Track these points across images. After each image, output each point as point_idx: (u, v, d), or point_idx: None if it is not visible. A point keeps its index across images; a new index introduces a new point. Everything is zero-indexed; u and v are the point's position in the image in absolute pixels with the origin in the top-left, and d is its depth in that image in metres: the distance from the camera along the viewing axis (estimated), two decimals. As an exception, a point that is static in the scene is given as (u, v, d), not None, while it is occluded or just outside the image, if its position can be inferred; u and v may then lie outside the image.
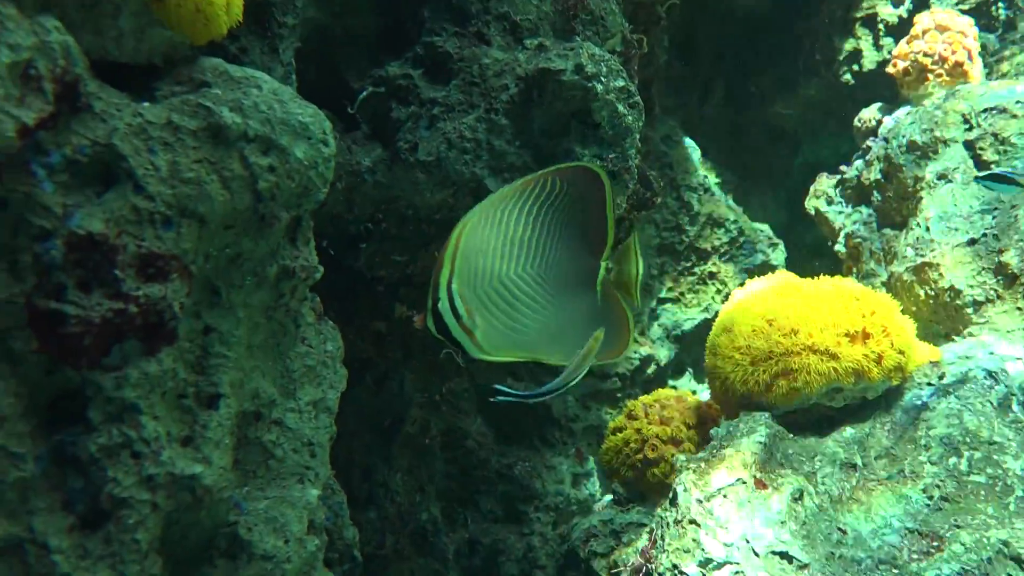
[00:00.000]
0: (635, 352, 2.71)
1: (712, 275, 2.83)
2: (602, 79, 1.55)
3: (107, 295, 1.09)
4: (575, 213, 1.14)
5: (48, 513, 1.08)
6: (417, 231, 1.75)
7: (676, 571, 1.57)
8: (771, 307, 1.79)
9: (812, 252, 3.01)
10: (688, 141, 2.84)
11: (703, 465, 1.66)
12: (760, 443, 1.66)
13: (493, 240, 1.09)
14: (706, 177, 2.84)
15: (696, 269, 2.82)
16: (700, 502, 1.60)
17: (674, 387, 2.81)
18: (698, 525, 1.58)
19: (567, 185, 1.13)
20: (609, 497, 2.14)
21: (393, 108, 1.62)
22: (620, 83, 1.57)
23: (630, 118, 1.60)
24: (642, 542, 1.72)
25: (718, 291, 2.83)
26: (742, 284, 2.70)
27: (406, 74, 1.62)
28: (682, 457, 1.69)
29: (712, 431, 1.78)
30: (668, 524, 1.62)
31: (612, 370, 2.64)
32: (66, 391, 1.11)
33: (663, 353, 2.77)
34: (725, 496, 1.59)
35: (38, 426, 1.09)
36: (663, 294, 2.79)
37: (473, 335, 1.08)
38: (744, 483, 1.61)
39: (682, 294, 2.82)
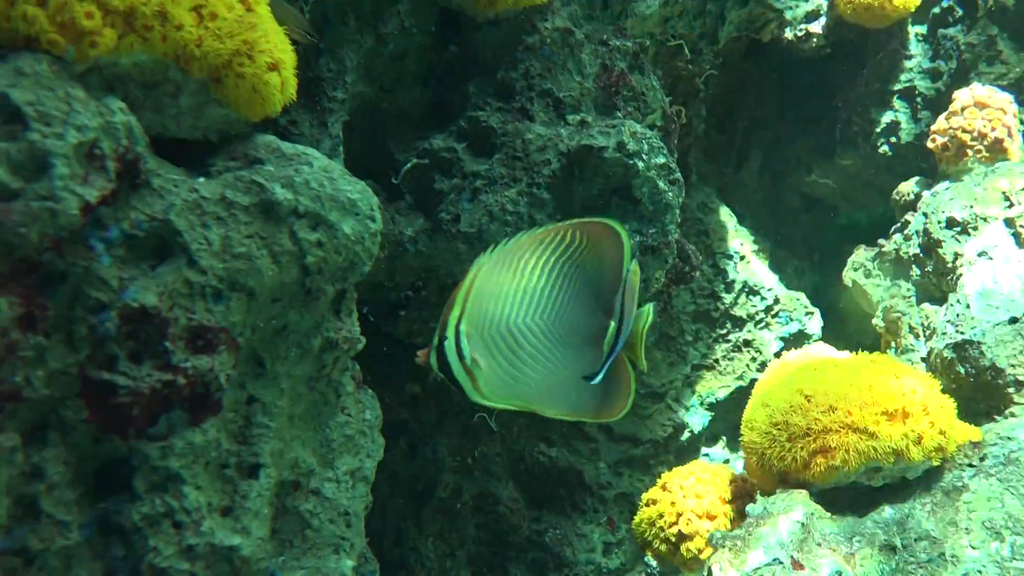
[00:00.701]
0: (668, 419, 2.69)
1: (747, 343, 2.81)
2: (643, 156, 1.57)
3: (157, 366, 1.12)
4: (591, 268, 1.14)
5: (90, 582, 1.09)
6: (456, 299, 1.77)
7: (710, 652, 1.55)
8: (809, 383, 1.78)
9: (846, 322, 2.99)
10: (724, 208, 2.85)
11: (739, 543, 1.64)
12: (797, 522, 1.64)
13: (507, 286, 1.10)
14: (742, 244, 2.84)
15: (731, 337, 2.81)
16: (736, 582, 1.58)
17: (707, 455, 2.78)
18: (733, 606, 1.56)
19: (587, 239, 1.13)
20: (640, 570, 2.12)
21: (436, 180, 1.66)
22: (661, 160, 1.60)
23: (670, 194, 1.62)
24: (676, 620, 1.70)
25: (753, 359, 2.81)
26: (778, 353, 2.69)
27: (450, 147, 1.65)
28: (718, 534, 1.67)
29: (748, 508, 1.76)
30: (703, 603, 1.60)
31: (644, 436, 2.62)
32: (113, 460, 1.13)
33: (696, 421, 2.74)
34: (761, 576, 1.57)
35: (84, 494, 1.11)
36: (697, 361, 2.77)
37: (475, 377, 1.09)
38: (781, 563, 1.59)
39: (716, 361, 2.81)
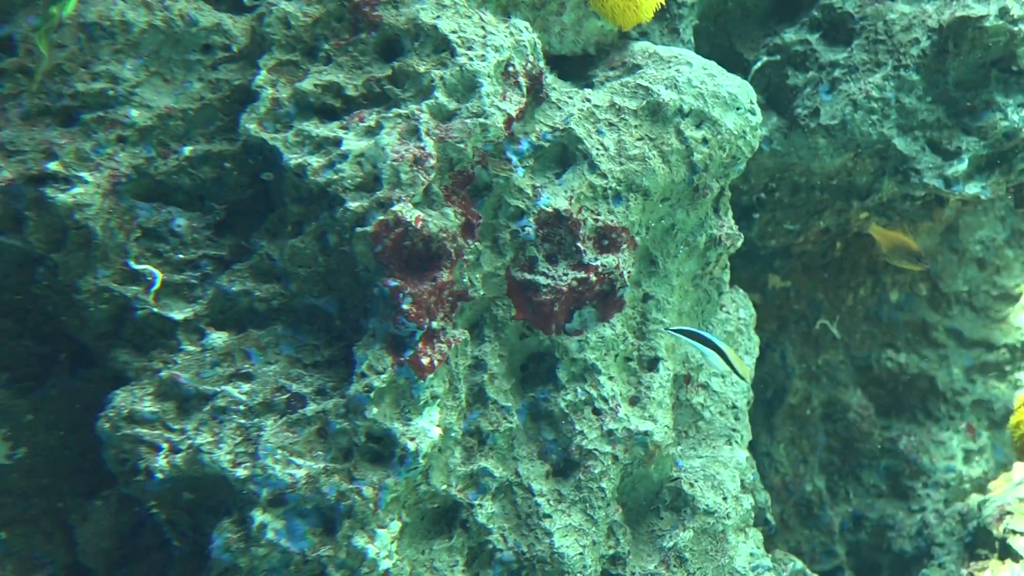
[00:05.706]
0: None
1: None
2: (1031, 21, 1.44)
3: (571, 266, 1.20)
4: None
5: (528, 461, 1.21)
6: (809, 199, 1.74)
7: None
8: None
9: None
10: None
11: None
12: None
13: None
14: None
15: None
16: None
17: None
18: None
19: None
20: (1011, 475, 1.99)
21: (789, 75, 1.62)
22: (1050, 24, 1.45)
23: (1063, 61, 1.47)
24: (1078, 521, 1.59)
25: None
26: None
27: (803, 39, 1.60)
28: None
29: None
30: (1117, 502, 1.48)
31: (999, 341, 2.44)
32: (535, 354, 1.24)
33: (1059, 322, 2.51)
34: None
35: (516, 384, 1.23)
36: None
37: None
38: None
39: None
